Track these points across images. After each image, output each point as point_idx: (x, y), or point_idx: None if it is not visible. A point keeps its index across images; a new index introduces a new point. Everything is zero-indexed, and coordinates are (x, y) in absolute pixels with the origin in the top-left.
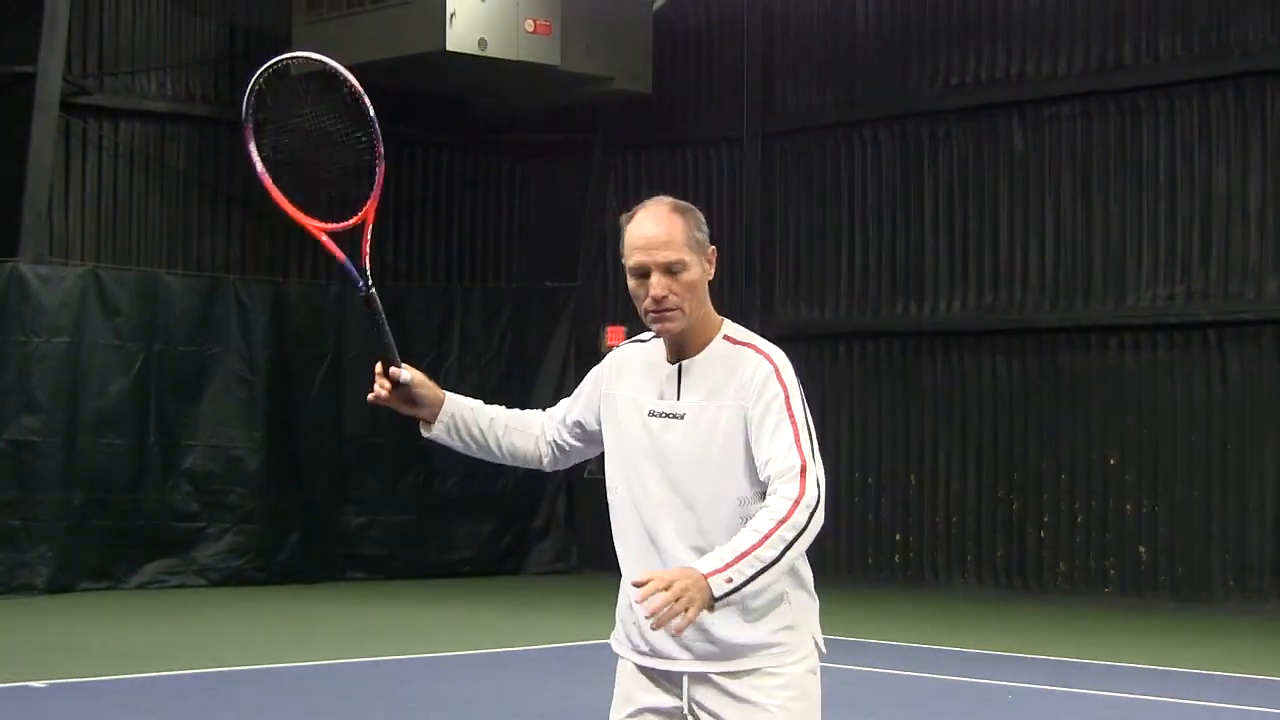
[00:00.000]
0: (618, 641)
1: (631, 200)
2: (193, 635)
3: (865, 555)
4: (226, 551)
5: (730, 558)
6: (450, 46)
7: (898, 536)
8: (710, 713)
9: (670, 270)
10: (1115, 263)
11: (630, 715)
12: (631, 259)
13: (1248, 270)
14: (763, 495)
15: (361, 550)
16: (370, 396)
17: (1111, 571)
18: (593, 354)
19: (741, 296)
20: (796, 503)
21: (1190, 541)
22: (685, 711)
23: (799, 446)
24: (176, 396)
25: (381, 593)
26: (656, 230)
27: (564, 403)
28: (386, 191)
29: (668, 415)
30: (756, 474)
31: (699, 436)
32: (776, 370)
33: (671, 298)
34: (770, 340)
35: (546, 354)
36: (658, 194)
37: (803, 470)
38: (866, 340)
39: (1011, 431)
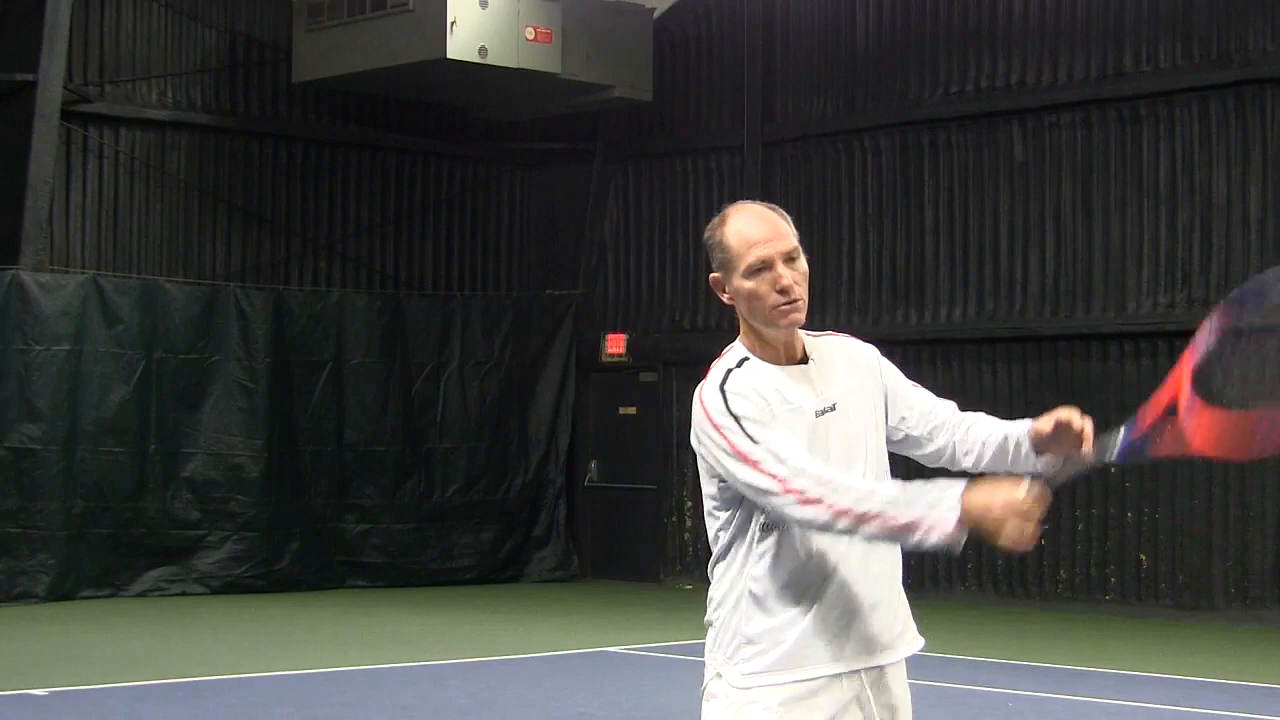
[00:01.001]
0: (766, 673)
1: (632, 207)
2: (193, 643)
3: None
4: (227, 559)
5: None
6: (451, 54)
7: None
8: (879, 703)
9: (790, 259)
10: (1115, 270)
11: None
12: (750, 256)
13: (1248, 277)
14: None
15: (362, 558)
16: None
17: (1112, 579)
18: (594, 362)
19: None
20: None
21: (1191, 549)
22: (858, 711)
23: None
24: (177, 404)
25: (382, 601)
26: (766, 225)
27: (795, 451)
28: (388, 199)
29: (827, 410)
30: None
31: (857, 418)
32: (874, 350)
33: (797, 288)
34: None
35: (547, 362)
36: (658, 202)
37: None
38: None
39: None
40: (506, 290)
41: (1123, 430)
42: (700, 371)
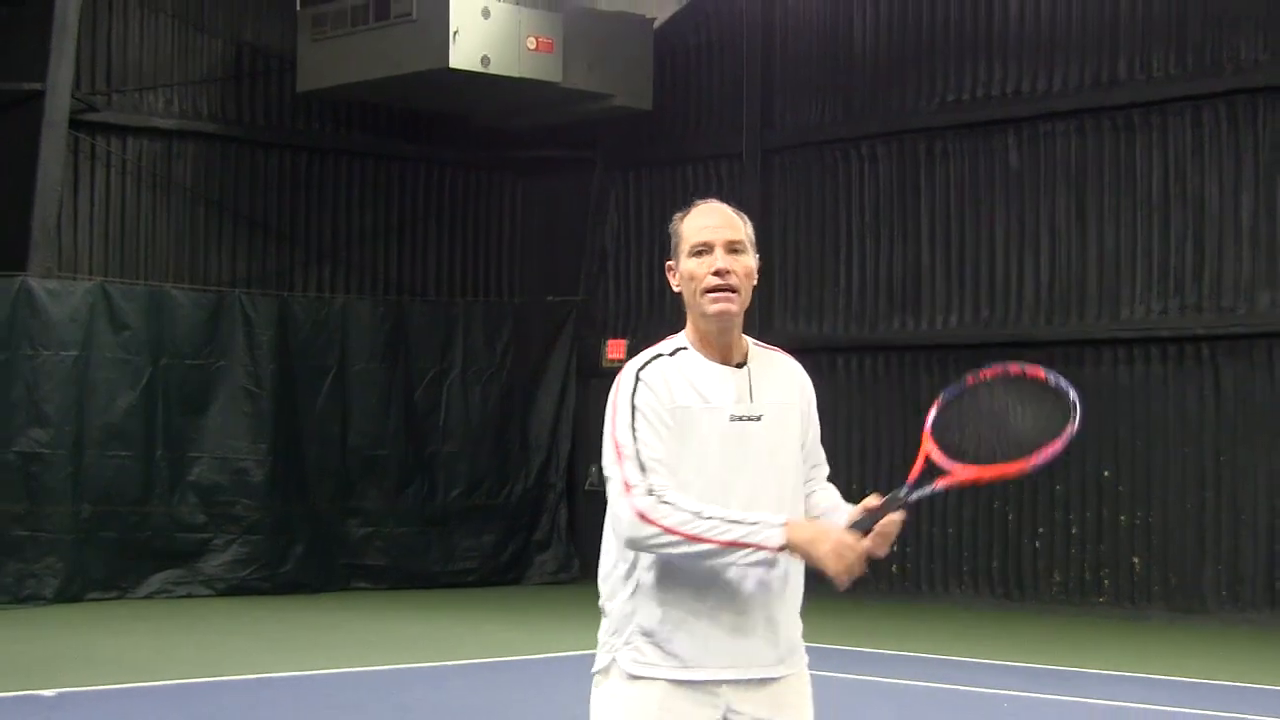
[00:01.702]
0: (651, 662)
1: (632, 215)
2: (199, 645)
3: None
4: (232, 562)
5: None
6: (453, 64)
7: (895, 547)
8: (756, 714)
9: (733, 249)
10: (1109, 277)
11: None
12: (694, 239)
13: (1240, 285)
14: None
15: (365, 561)
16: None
17: (1106, 582)
18: (594, 368)
19: None
20: None
21: (1183, 552)
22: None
23: None
24: (183, 409)
25: (385, 602)
26: (718, 216)
27: (657, 463)
28: (391, 206)
29: (748, 418)
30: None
31: (778, 436)
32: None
33: (733, 277)
34: None
35: (548, 368)
36: (658, 210)
37: None
38: (864, 354)
39: None
40: (508, 296)
41: (906, 485)
42: None
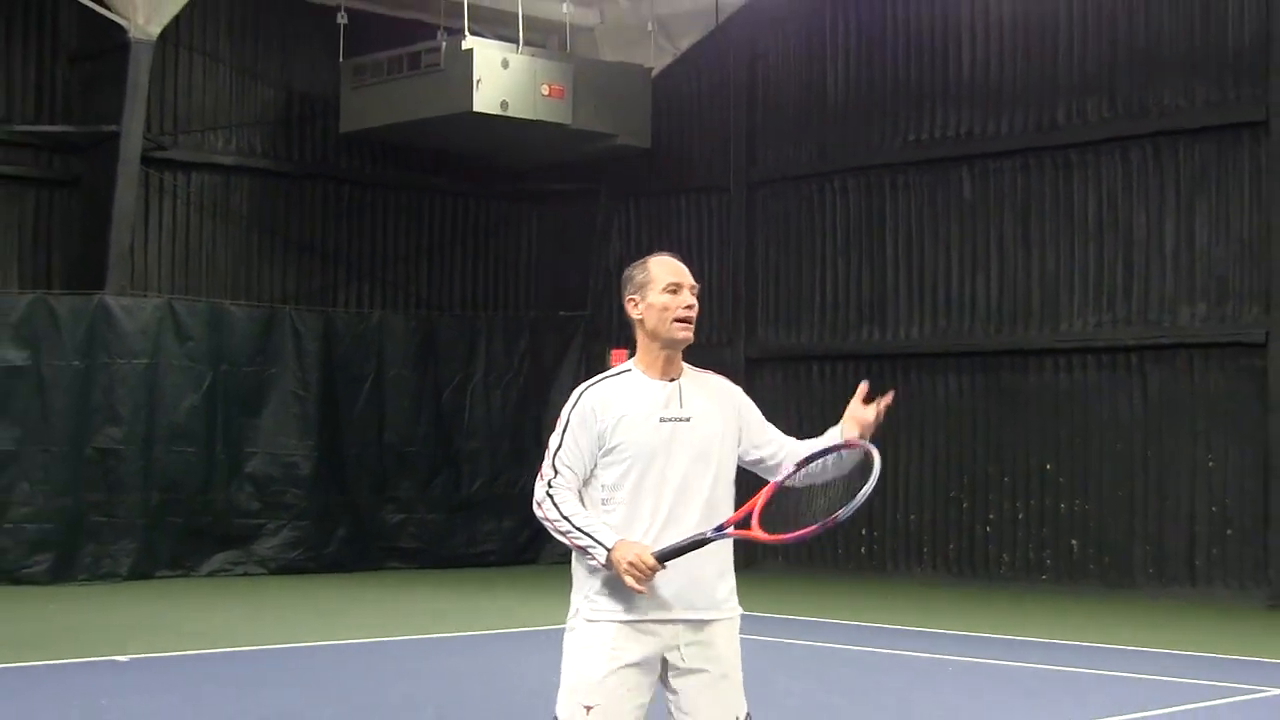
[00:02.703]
0: (604, 609)
1: (633, 240)
2: (254, 617)
3: (835, 547)
4: (283, 544)
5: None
6: (477, 108)
7: (863, 531)
8: (692, 651)
9: (695, 291)
10: (1050, 295)
11: (622, 667)
12: (667, 280)
13: (1164, 301)
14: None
15: (399, 543)
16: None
17: (1048, 561)
18: (600, 372)
19: (728, 323)
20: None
21: (1116, 535)
22: (673, 655)
23: None
24: (240, 411)
25: (417, 580)
26: (678, 265)
27: (568, 464)
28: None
29: (678, 419)
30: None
31: (704, 434)
32: (740, 390)
33: (693, 312)
34: (752, 361)
35: (560, 374)
36: (656, 235)
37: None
38: (836, 362)
39: (962, 441)
40: (524, 311)
41: (714, 529)
42: None
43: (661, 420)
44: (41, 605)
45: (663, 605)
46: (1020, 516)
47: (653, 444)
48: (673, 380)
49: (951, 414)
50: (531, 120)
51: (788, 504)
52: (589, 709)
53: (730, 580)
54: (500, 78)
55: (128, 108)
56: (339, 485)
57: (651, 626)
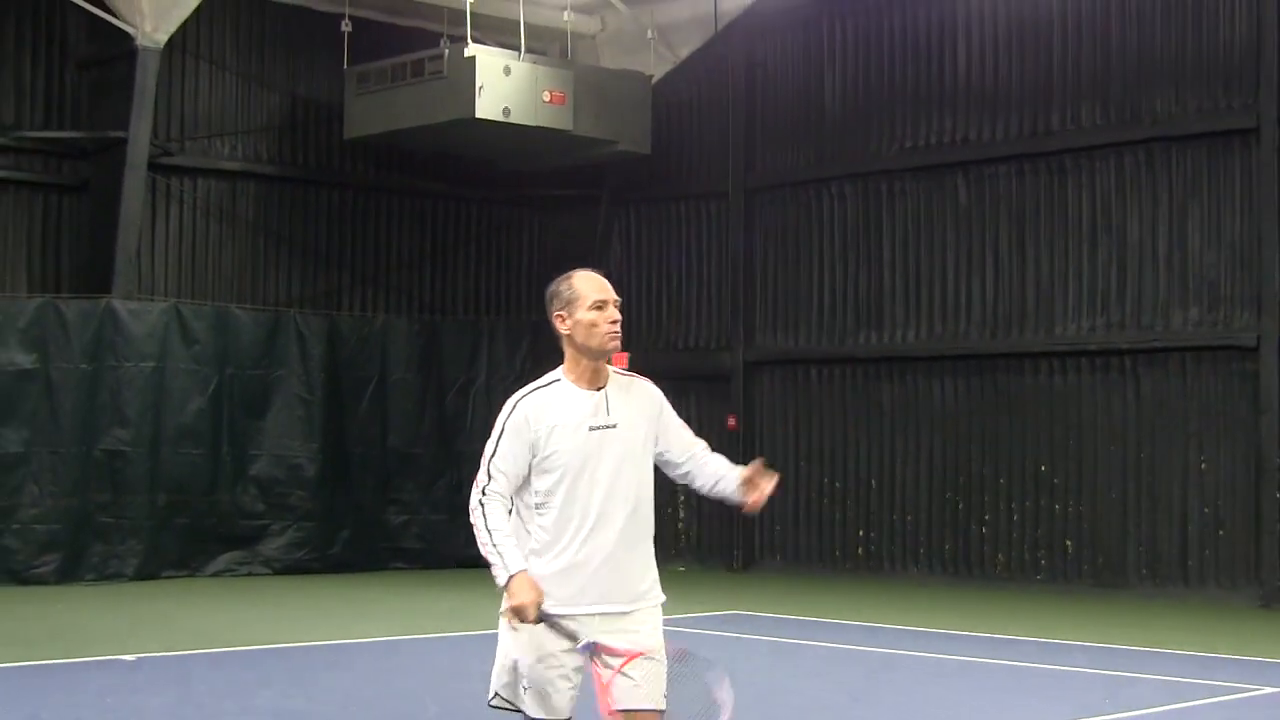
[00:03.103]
0: (546, 601)
1: (634, 244)
2: (259, 616)
3: (833, 548)
4: (288, 545)
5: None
6: (479, 114)
7: (860, 532)
8: (617, 638)
9: (616, 305)
10: (1045, 299)
11: (549, 654)
12: (593, 297)
13: (1157, 306)
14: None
15: (403, 544)
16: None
17: (1042, 561)
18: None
19: (727, 327)
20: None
21: (1109, 536)
22: (598, 641)
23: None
24: (245, 413)
25: (420, 581)
26: (602, 281)
27: (502, 471)
28: (425, 237)
29: (606, 427)
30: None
31: (629, 440)
32: (661, 393)
33: (618, 326)
34: (750, 364)
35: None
36: (656, 240)
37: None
38: (833, 365)
39: (957, 443)
40: (526, 315)
41: (589, 642)
42: (691, 385)
43: (591, 429)
44: (49, 605)
45: (589, 600)
46: (1015, 517)
47: (583, 452)
48: (600, 389)
49: (947, 416)
50: (533, 126)
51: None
52: (525, 688)
53: (652, 574)
54: (502, 84)
55: (135, 114)
56: (343, 487)
57: (581, 618)
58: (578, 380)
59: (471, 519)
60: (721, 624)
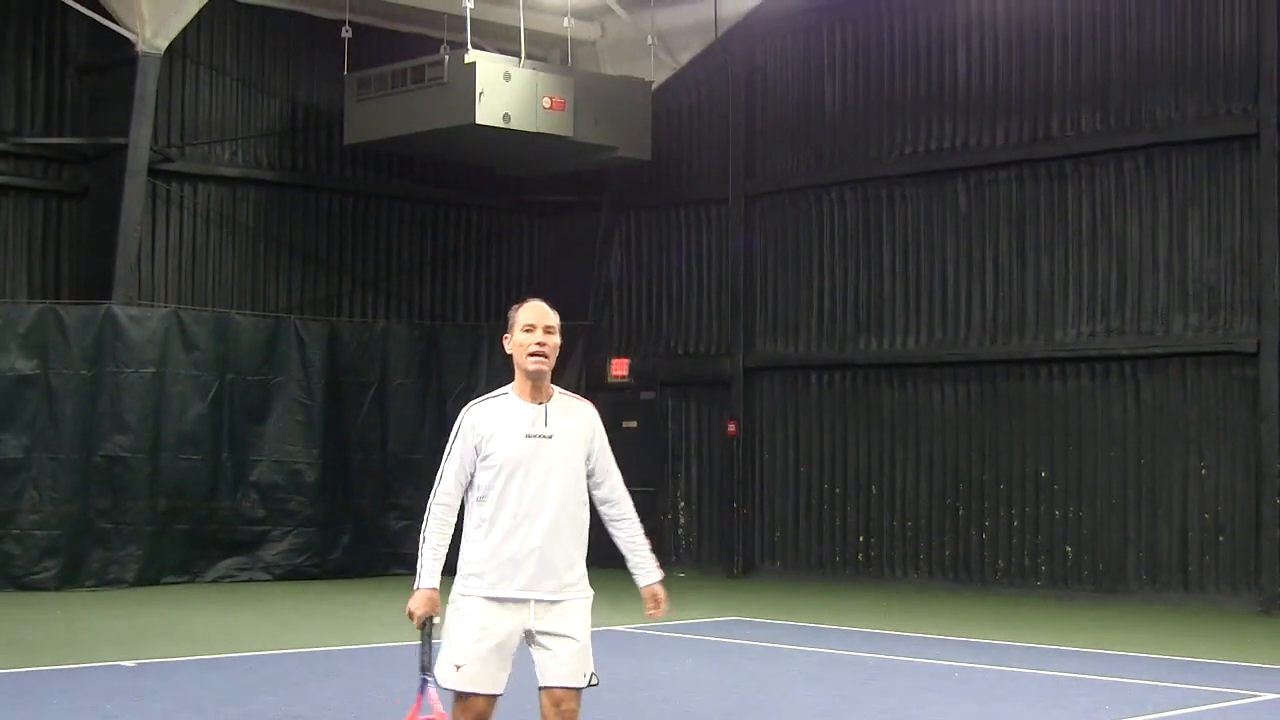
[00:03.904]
0: (475, 587)
1: (634, 250)
2: (260, 622)
3: (833, 554)
4: (288, 551)
5: (653, 564)
6: (479, 120)
7: (860, 538)
8: (546, 623)
9: (548, 330)
10: (1045, 305)
11: (486, 636)
12: (525, 320)
13: (1157, 312)
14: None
15: (403, 550)
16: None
17: (1042, 567)
18: (601, 381)
19: (727, 333)
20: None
21: (1109, 542)
22: (530, 626)
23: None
24: (245, 419)
25: None
26: (542, 310)
27: (449, 476)
28: (425, 243)
29: (541, 436)
30: (586, 470)
31: (562, 450)
32: (599, 417)
33: (547, 348)
34: (751, 370)
35: (561, 381)
36: (655, 246)
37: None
38: (833, 371)
39: (957, 449)
40: None
41: (427, 678)
42: (691, 391)
43: (527, 436)
44: (49, 611)
45: (519, 588)
46: (1015, 523)
47: (518, 455)
48: (541, 404)
49: (947, 422)
50: (533, 133)
51: None
52: (459, 667)
53: (579, 569)
54: (502, 91)
55: (135, 120)
56: (344, 492)
57: (511, 605)
58: (521, 394)
59: (426, 515)
60: (720, 630)
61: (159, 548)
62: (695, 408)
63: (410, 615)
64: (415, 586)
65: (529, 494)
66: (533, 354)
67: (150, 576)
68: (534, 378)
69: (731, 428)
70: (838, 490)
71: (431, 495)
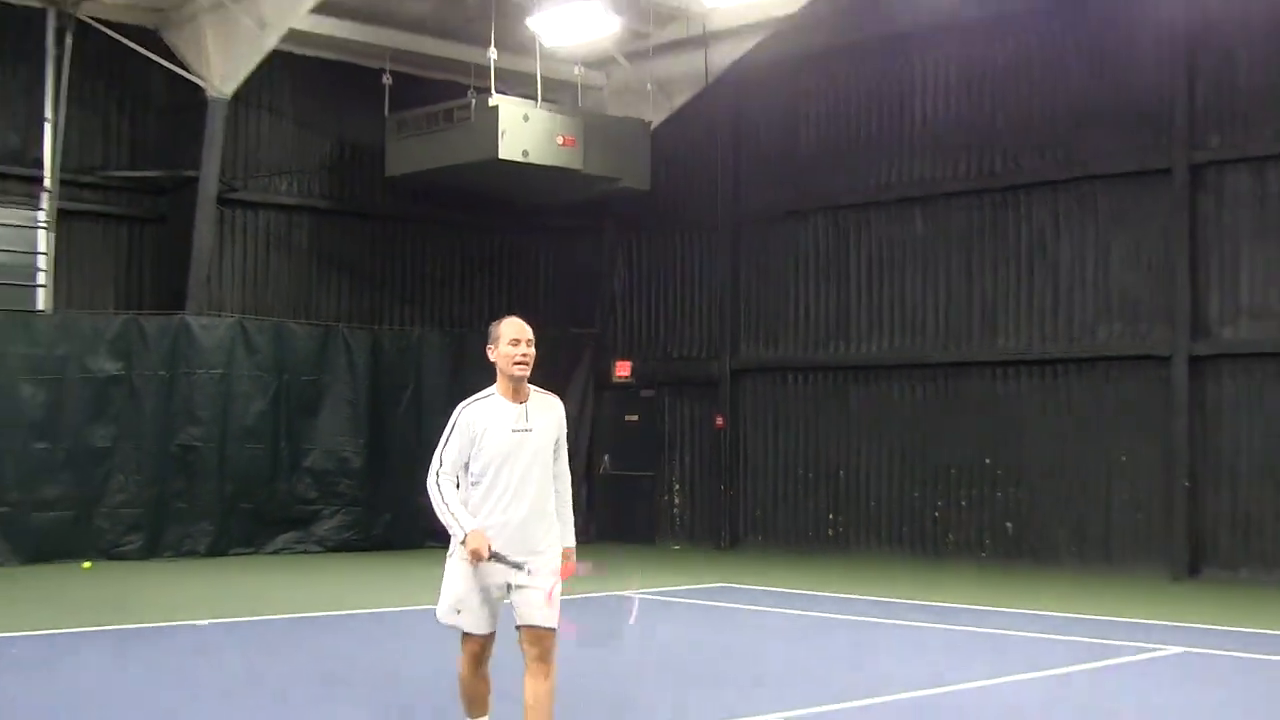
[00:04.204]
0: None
1: (635, 270)
2: (314, 588)
3: (807, 529)
4: (338, 527)
5: (570, 532)
6: (502, 155)
7: (831, 515)
8: (522, 578)
9: (529, 343)
10: (990, 316)
11: (478, 585)
12: (509, 335)
13: (1085, 321)
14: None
15: (435, 526)
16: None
17: (987, 541)
18: (607, 382)
19: (716, 339)
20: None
21: (1044, 519)
22: (510, 580)
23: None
24: (300, 414)
25: None
26: (522, 326)
27: (450, 459)
28: (455, 262)
29: (524, 430)
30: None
31: (540, 441)
32: (564, 410)
33: (528, 358)
34: (735, 371)
35: (571, 382)
36: (654, 265)
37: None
38: (809, 372)
39: (915, 439)
40: (541, 328)
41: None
42: (685, 390)
43: (513, 431)
44: (133, 577)
45: (502, 548)
46: (964, 503)
47: (506, 448)
48: (522, 403)
49: (906, 416)
50: (548, 166)
51: None
52: (459, 611)
53: (553, 535)
54: (522, 130)
55: (206, 156)
56: (385, 477)
57: (497, 564)
58: (505, 394)
59: (429, 492)
60: (711, 595)
61: (227, 524)
62: (688, 404)
63: (475, 555)
64: (462, 531)
65: (515, 478)
66: (518, 363)
67: (220, 548)
68: (516, 382)
69: (720, 421)
70: (811, 475)
71: (431, 474)
